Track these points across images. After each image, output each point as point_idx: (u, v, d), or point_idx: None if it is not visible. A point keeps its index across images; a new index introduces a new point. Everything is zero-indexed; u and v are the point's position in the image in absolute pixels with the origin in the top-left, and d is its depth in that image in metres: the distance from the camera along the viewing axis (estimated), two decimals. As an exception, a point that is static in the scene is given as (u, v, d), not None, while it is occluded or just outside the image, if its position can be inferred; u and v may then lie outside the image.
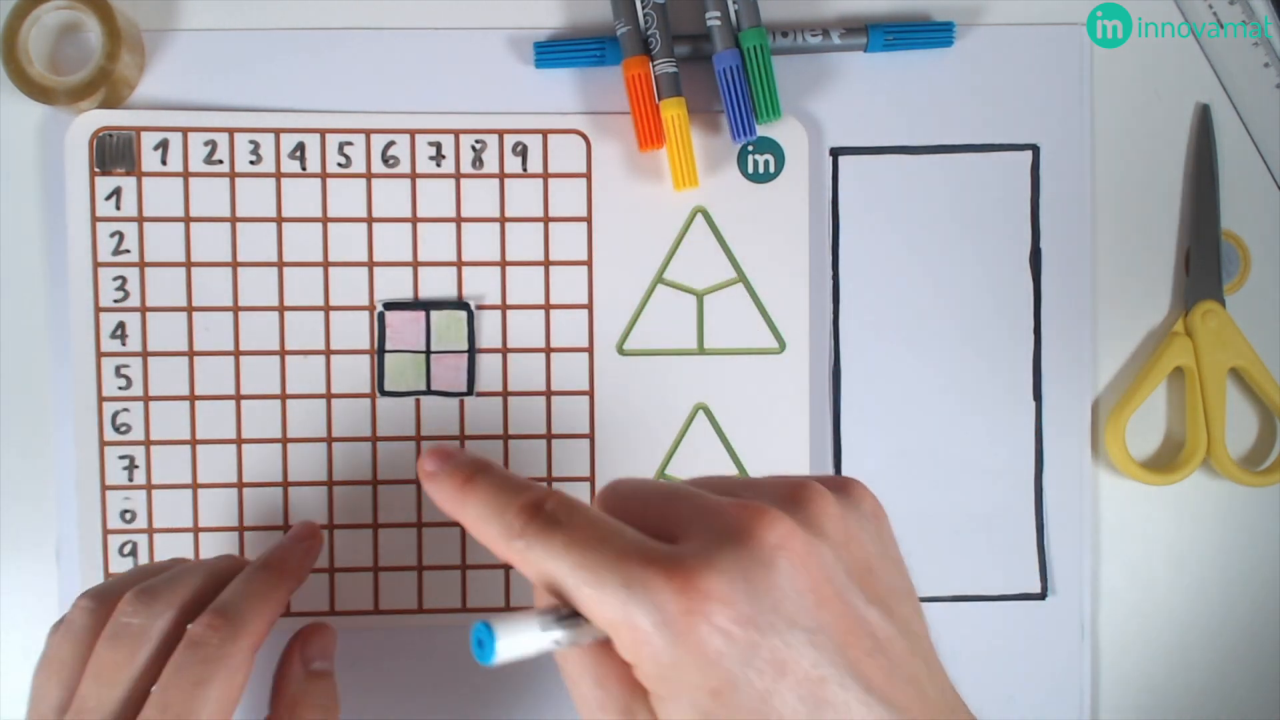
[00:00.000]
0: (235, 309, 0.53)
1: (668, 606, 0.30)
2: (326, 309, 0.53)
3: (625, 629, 0.31)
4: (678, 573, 0.31)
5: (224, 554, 0.50)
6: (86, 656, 0.42)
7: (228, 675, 0.41)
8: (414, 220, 0.53)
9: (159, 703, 0.40)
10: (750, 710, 0.30)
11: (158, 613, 0.42)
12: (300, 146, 0.53)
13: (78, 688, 0.41)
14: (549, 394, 0.53)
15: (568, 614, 0.33)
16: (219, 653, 0.41)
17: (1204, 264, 0.55)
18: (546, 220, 0.53)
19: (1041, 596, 0.55)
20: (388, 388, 0.53)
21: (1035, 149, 0.55)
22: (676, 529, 0.33)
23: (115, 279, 0.52)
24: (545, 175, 0.53)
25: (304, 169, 0.53)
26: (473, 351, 0.53)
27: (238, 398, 0.53)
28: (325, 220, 0.53)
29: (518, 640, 0.32)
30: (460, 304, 0.53)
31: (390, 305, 0.53)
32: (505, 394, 0.53)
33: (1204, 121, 0.55)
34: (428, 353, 0.53)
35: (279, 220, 0.53)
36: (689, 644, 0.30)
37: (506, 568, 0.53)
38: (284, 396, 0.53)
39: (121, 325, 0.52)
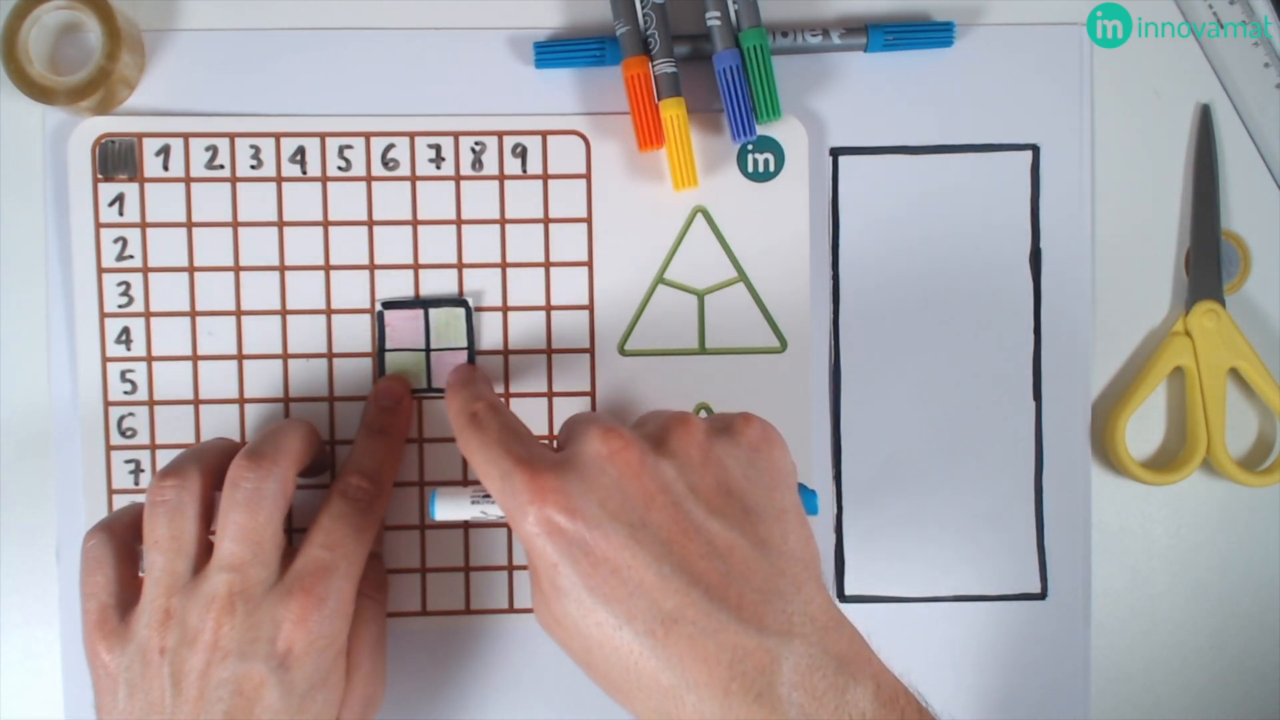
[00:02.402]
0: (238, 313, 0.53)
1: (519, 495, 0.39)
2: (328, 312, 0.53)
3: (506, 514, 0.40)
4: (530, 471, 0.39)
5: (283, 419, 0.53)
6: (199, 525, 0.46)
7: (373, 524, 0.48)
8: (414, 223, 0.53)
9: (323, 543, 0.46)
10: (575, 587, 0.38)
11: (274, 474, 0.46)
12: (300, 150, 0.53)
13: (218, 554, 0.45)
14: (550, 395, 0.53)
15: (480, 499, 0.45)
16: (370, 506, 0.48)
17: (1204, 264, 0.55)
18: (546, 221, 0.53)
19: (1041, 596, 0.55)
20: (389, 388, 0.53)
21: (1035, 149, 0.55)
22: (566, 444, 0.42)
23: (119, 284, 0.52)
24: (545, 176, 0.53)
25: (304, 173, 0.53)
26: (472, 349, 0.53)
27: (241, 401, 0.53)
28: (326, 224, 0.53)
29: (453, 505, 0.45)
30: (459, 301, 0.53)
31: (389, 304, 0.53)
32: (507, 395, 0.53)
33: (1204, 121, 0.55)
34: (427, 351, 0.53)
35: (280, 224, 0.53)
36: (527, 527, 0.38)
37: (509, 569, 0.54)
38: (287, 400, 0.53)
39: (126, 330, 0.52)
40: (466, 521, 0.47)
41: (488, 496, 0.44)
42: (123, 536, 0.47)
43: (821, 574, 0.41)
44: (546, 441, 0.53)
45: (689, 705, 0.37)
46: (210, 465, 0.47)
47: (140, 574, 0.46)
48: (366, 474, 0.49)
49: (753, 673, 0.37)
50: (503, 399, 0.53)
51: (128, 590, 0.45)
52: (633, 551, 0.38)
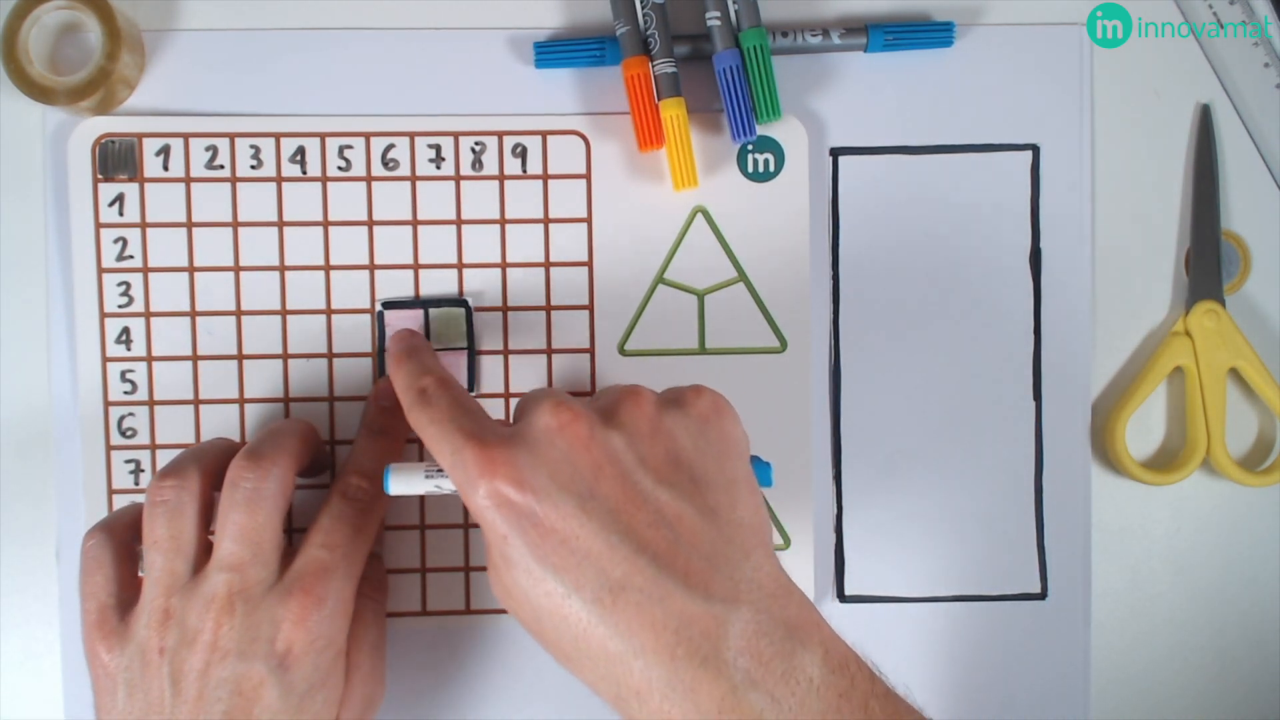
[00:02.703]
0: (238, 313, 0.53)
1: (469, 469, 0.39)
2: (328, 312, 0.53)
3: (457, 485, 0.41)
4: (480, 445, 0.40)
5: (282, 419, 0.53)
6: (197, 526, 0.46)
7: (373, 524, 0.49)
8: (414, 223, 0.53)
9: (322, 543, 0.46)
10: (524, 558, 0.39)
11: (273, 473, 0.46)
12: (300, 150, 0.53)
13: (218, 554, 0.45)
14: (550, 395, 0.53)
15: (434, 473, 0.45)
16: (369, 506, 0.48)
17: (1204, 264, 0.55)
18: (546, 221, 0.53)
19: (1041, 596, 0.55)
20: (389, 388, 0.53)
21: (1035, 149, 0.55)
22: (519, 419, 0.42)
23: (119, 284, 0.52)
24: (545, 176, 0.53)
25: (304, 173, 0.53)
26: (472, 348, 0.53)
27: (241, 401, 0.53)
28: (326, 224, 0.53)
29: (407, 480, 0.45)
30: (459, 301, 0.53)
31: (389, 304, 0.53)
32: (507, 395, 0.53)
33: (1204, 121, 0.55)
34: (428, 350, 0.53)
35: (280, 224, 0.53)
36: (478, 500, 0.39)
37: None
38: (287, 400, 0.53)
39: (126, 330, 0.52)
40: (422, 497, 0.47)
41: (441, 471, 0.44)
42: (122, 537, 0.47)
43: (771, 543, 0.42)
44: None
45: (636, 671, 0.38)
46: (210, 465, 0.47)
47: (140, 574, 0.46)
48: (366, 474, 0.49)
49: (699, 638, 0.37)
50: (502, 398, 0.53)
51: (127, 590, 0.46)
52: (580, 521, 0.39)
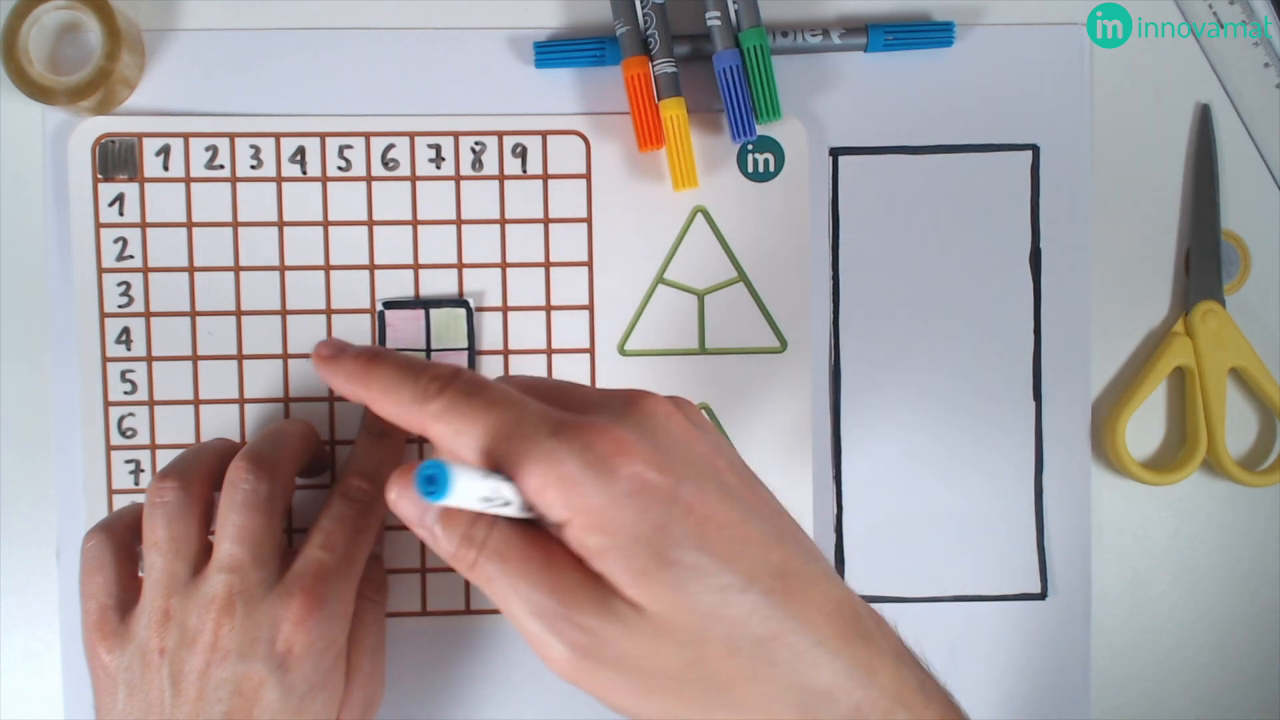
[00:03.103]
0: (238, 313, 0.53)
1: (596, 449, 0.33)
2: (328, 312, 0.53)
3: (554, 480, 0.33)
4: (596, 426, 0.33)
5: (282, 420, 0.53)
6: (195, 530, 0.45)
7: (373, 526, 0.48)
8: (414, 223, 0.53)
9: (322, 544, 0.46)
10: (688, 550, 0.33)
11: (273, 475, 0.45)
12: (300, 150, 0.53)
13: (218, 555, 0.44)
14: (550, 395, 0.53)
15: (492, 473, 0.33)
16: (370, 508, 0.48)
17: (1204, 264, 0.55)
18: (546, 221, 0.53)
19: (1041, 596, 0.55)
20: (389, 388, 0.53)
21: (1035, 149, 0.55)
22: (573, 409, 0.36)
23: (119, 284, 0.52)
24: (545, 176, 0.53)
25: (304, 173, 0.53)
26: (473, 349, 0.53)
27: (241, 401, 0.53)
28: (326, 224, 0.53)
29: (467, 482, 0.32)
30: (459, 301, 0.53)
31: (390, 304, 0.53)
32: (506, 395, 0.53)
33: (1204, 121, 0.55)
34: (428, 351, 0.53)
35: (280, 224, 0.53)
36: (616, 483, 0.32)
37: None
38: (287, 400, 0.53)
39: (126, 330, 0.52)
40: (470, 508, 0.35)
41: (498, 472, 0.34)
42: (122, 537, 0.47)
43: None
44: None
45: (824, 665, 0.34)
46: (210, 466, 0.47)
47: (140, 574, 0.46)
48: (367, 475, 0.49)
49: (850, 616, 0.35)
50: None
51: (127, 591, 0.46)
52: (728, 505, 0.34)
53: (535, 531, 0.35)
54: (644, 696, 0.34)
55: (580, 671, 0.34)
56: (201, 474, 0.46)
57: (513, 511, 0.34)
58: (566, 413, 0.35)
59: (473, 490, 0.32)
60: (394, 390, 0.37)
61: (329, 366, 0.40)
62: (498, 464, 0.34)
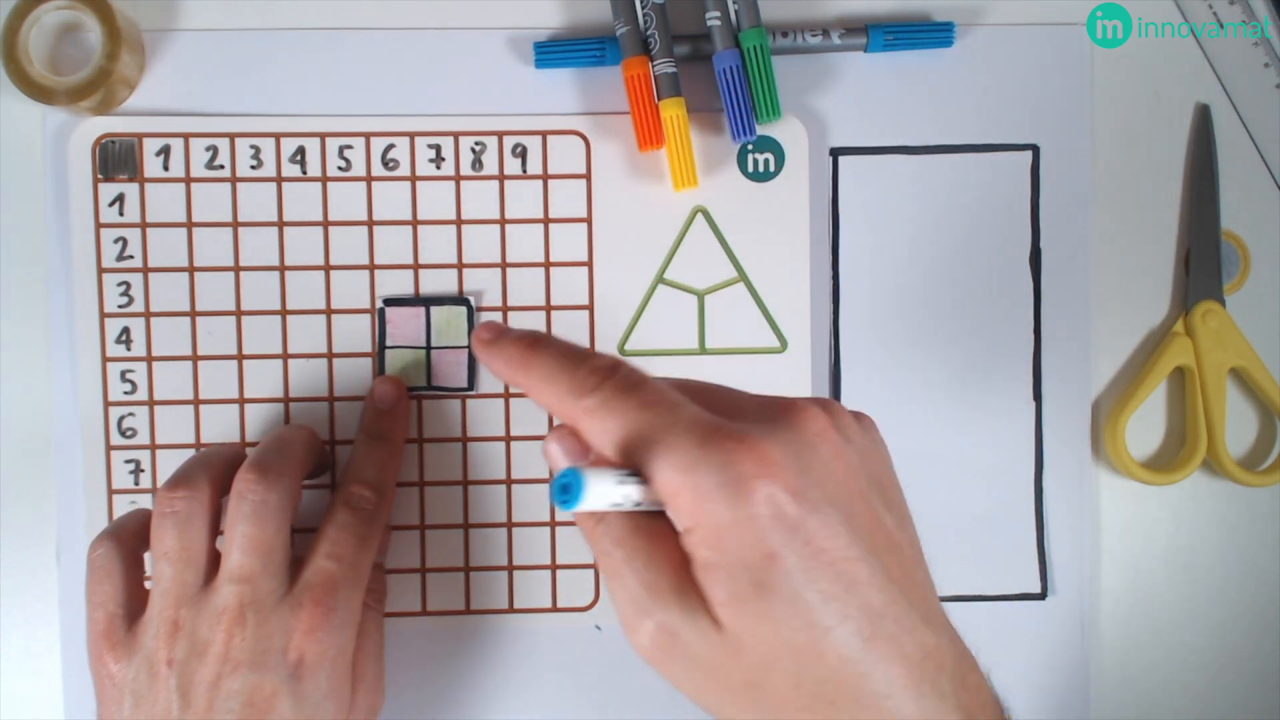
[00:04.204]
0: (238, 313, 0.53)
1: (737, 467, 0.32)
2: (328, 312, 0.53)
3: (688, 489, 0.33)
4: (745, 439, 0.33)
5: (285, 426, 0.52)
6: (205, 539, 0.45)
7: (377, 532, 0.48)
8: (414, 223, 0.53)
9: (329, 553, 0.46)
10: (788, 583, 0.32)
11: (280, 485, 0.45)
12: (300, 150, 0.53)
13: (227, 566, 0.44)
14: (550, 395, 0.53)
15: (630, 474, 0.34)
16: (374, 515, 0.48)
17: (1204, 264, 0.55)
18: (546, 221, 0.53)
19: (1041, 596, 0.55)
20: (388, 386, 0.53)
21: (1035, 149, 0.55)
22: (727, 414, 0.35)
23: (119, 284, 0.52)
24: (545, 176, 0.53)
25: (304, 173, 0.53)
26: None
27: (241, 401, 0.53)
28: (326, 224, 0.53)
29: (600, 490, 0.33)
30: (460, 299, 0.53)
31: (390, 301, 0.53)
32: (507, 395, 0.53)
33: (1204, 121, 0.55)
34: (428, 349, 0.53)
35: (280, 224, 0.53)
36: (748, 505, 0.32)
37: (509, 569, 0.53)
38: (287, 400, 0.53)
39: (126, 330, 0.52)
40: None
41: (634, 475, 0.34)
42: (130, 545, 0.47)
43: None
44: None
45: (887, 710, 0.34)
46: (218, 474, 0.47)
47: (147, 584, 0.46)
48: (368, 482, 0.49)
49: (934, 671, 0.35)
50: (502, 398, 0.53)
51: (134, 600, 0.46)
52: (848, 542, 0.33)
53: (655, 522, 0.35)
54: (711, 694, 0.35)
55: (655, 659, 0.35)
56: (210, 482, 0.46)
57: (644, 507, 0.35)
58: (719, 420, 0.34)
59: (605, 498, 0.34)
60: (553, 380, 0.37)
61: (489, 350, 0.39)
62: (637, 462, 0.34)
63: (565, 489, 0.33)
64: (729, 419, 0.35)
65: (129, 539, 0.47)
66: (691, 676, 0.34)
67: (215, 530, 0.46)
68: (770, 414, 0.36)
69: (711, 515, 0.33)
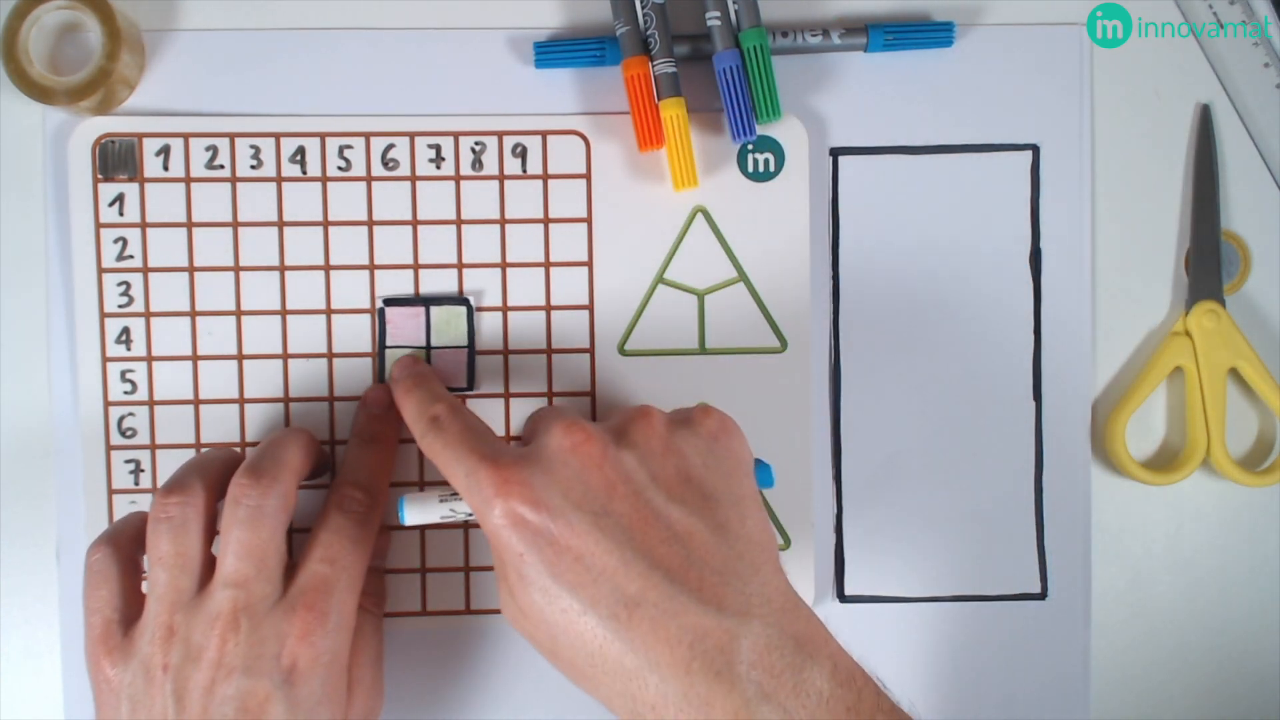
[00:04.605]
0: (238, 313, 0.53)
1: (484, 490, 0.41)
2: (328, 312, 0.53)
3: (475, 507, 0.42)
4: (494, 465, 0.41)
5: (282, 430, 0.53)
6: (200, 544, 0.46)
7: (371, 535, 0.49)
8: (414, 223, 0.53)
9: (322, 557, 0.46)
10: (540, 576, 0.40)
11: (274, 489, 0.46)
12: (300, 150, 0.53)
13: (222, 570, 0.45)
14: (550, 395, 0.53)
15: (453, 494, 0.46)
16: (367, 518, 0.48)
17: (1204, 264, 0.55)
18: (546, 221, 0.53)
19: (1041, 596, 0.55)
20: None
21: (1035, 149, 0.55)
22: (530, 439, 0.45)
23: (119, 284, 0.52)
24: (545, 176, 0.53)
25: (304, 173, 0.53)
26: (472, 347, 0.53)
27: (241, 401, 0.53)
28: (326, 224, 0.53)
29: (421, 508, 0.46)
30: (460, 299, 0.53)
31: (390, 301, 0.53)
32: (507, 395, 0.53)
33: (1204, 121, 0.55)
34: (428, 348, 0.53)
35: (280, 224, 0.53)
36: (493, 520, 0.40)
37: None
38: (287, 400, 0.53)
39: (126, 330, 0.52)
40: (436, 523, 0.47)
41: (455, 495, 0.46)
42: (127, 550, 0.47)
43: (778, 558, 0.43)
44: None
45: (651, 686, 0.38)
46: (213, 478, 0.47)
47: (143, 588, 0.46)
48: (361, 485, 0.49)
49: (713, 651, 0.38)
50: (502, 398, 0.53)
51: (131, 605, 0.46)
52: (596, 539, 0.40)
53: None
54: (546, 656, 0.42)
55: (508, 619, 0.43)
56: (205, 487, 0.46)
57: (473, 518, 0.45)
58: (489, 450, 0.42)
59: (427, 515, 0.47)
60: (410, 425, 0.48)
61: (393, 390, 0.51)
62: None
63: (400, 508, 0.47)
64: (506, 451, 0.43)
65: (126, 544, 0.47)
66: (530, 638, 0.42)
67: (210, 535, 0.46)
68: (528, 440, 0.45)
69: (483, 527, 0.41)
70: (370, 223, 0.53)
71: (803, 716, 0.38)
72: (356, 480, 0.49)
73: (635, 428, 0.44)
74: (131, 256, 0.52)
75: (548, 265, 0.53)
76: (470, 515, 0.45)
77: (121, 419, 0.53)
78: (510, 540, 0.40)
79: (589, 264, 0.54)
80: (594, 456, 0.42)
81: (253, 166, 0.53)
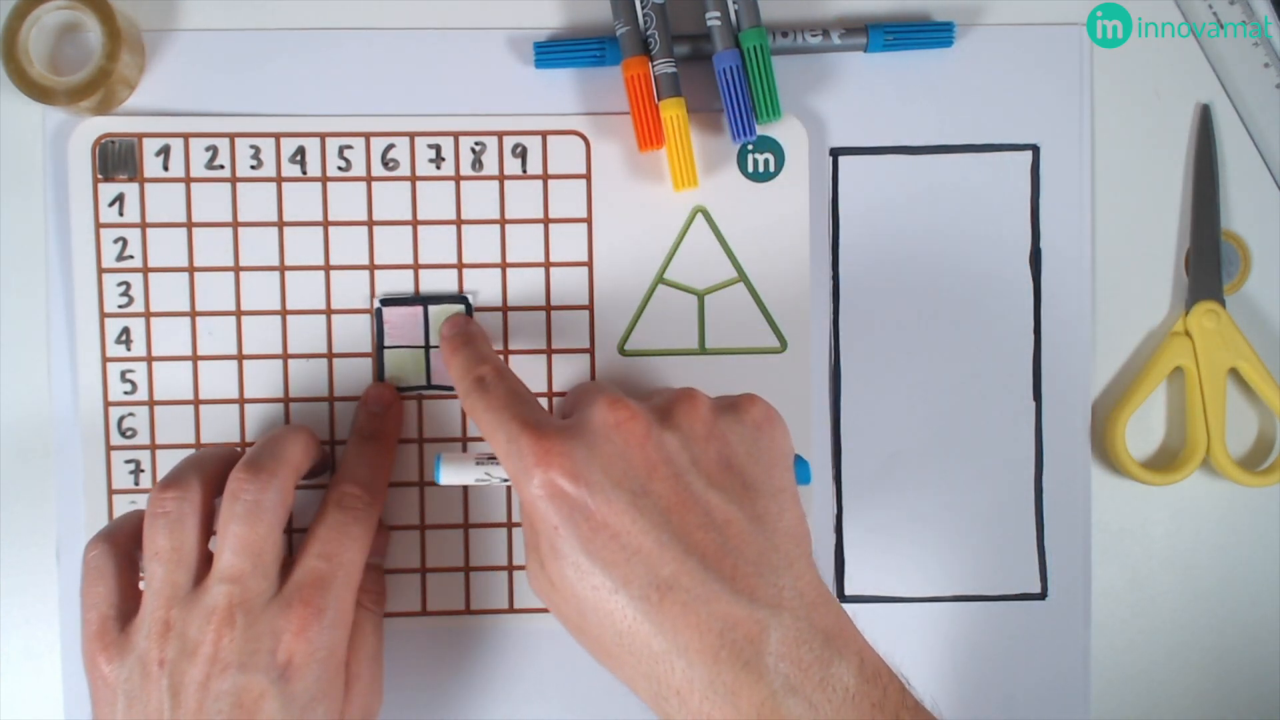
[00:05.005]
0: (238, 313, 0.53)
1: (525, 458, 0.40)
2: (328, 312, 0.53)
3: (511, 474, 0.42)
4: (537, 434, 0.41)
5: (282, 427, 0.52)
6: (198, 539, 0.46)
7: (369, 532, 0.48)
8: (414, 223, 0.53)
9: (319, 553, 0.46)
10: (573, 550, 0.39)
11: (272, 485, 0.45)
12: (300, 150, 0.53)
13: (218, 566, 0.44)
14: (550, 395, 0.53)
15: (490, 458, 0.46)
16: (365, 514, 0.48)
17: (1204, 264, 0.55)
18: (546, 221, 0.53)
19: (1041, 596, 0.55)
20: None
21: (1035, 149, 0.55)
22: (572, 411, 0.44)
23: (119, 285, 0.52)
24: (545, 176, 0.53)
25: (304, 173, 0.53)
26: (472, 347, 0.53)
27: (241, 401, 0.53)
28: (326, 224, 0.53)
29: (457, 469, 0.46)
30: (458, 298, 0.53)
31: (388, 301, 0.53)
32: (506, 395, 0.53)
33: (1204, 121, 0.55)
34: (427, 348, 0.53)
35: (280, 224, 0.53)
36: (531, 489, 0.40)
37: (509, 569, 0.54)
38: (287, 400, 0.53)
39: (126, 330, 0.52)
40: (469, 484, 0.48)
41: (492, 458, 0.46)
42: (125, 547, 0.47)
43: (812, 553, 0.43)
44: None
45: (678, 670, 0.38)
46: (210, 474, 0.47)
47: (141, 585, 0.46)
48: (359, 482, 0.49)
49: (742, 641, 0.38)
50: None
51: (128, 601, 0.46)
52: (633, 518, 0.39)
53: None
54: (571, 630, 0.42)
55: (535, 590, 0.43)
56: (202, 482, 0.46)
57: (508, 482, 0.46)
58: (531, 419, 0.42)
59: (464, 476, 0.46)
60: (456, 384, 0.48)
61: (442, 346, 0.51)
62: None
63: (436, 467, 0.46)
64: (549, 420, 0.42)
65: (124, 540, 0.47)
66: (557, 612, 0.42)
67: (207, 530, 0.46)
68: (571, 412, 0.44)
69: (518, 494, 0.41)
70: (370, 223, 0.53)
71: (828, 711, 0.38)
72: (355, 477, 0.49)
73: (680, 409, 0.43)
74: (131, 256, 0.52)
75: (548, 265, 0.53)
76: (505, 481, 0.45)
77: (121, 419, 0.53)
78: (547, 512, 0.40)
79: (589, 264, 0.54)
80: (637, 434, 0.41)
81: (253, 166, 0.53)
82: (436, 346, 0.53)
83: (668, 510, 0.40)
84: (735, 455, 0.43)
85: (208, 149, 0.52)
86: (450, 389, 0.53)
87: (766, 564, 0.40)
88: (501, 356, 0.53)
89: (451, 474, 0.46)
